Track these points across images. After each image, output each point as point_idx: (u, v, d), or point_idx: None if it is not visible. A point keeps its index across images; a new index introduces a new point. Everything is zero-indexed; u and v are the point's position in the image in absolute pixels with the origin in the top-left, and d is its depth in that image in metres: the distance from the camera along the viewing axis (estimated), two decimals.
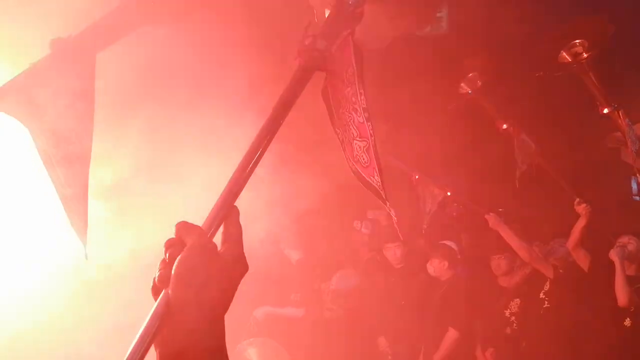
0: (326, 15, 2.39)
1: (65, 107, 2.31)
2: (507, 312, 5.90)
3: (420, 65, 5.18)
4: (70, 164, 2.33)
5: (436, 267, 6.15)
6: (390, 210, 2.39)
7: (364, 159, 2.29)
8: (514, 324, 5.85)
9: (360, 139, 2.29)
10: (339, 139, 2.28)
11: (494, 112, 6.02)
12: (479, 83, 5.84)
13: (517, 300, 5.89)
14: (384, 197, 2.30)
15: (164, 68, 3.83)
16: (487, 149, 6.21)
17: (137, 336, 1.12)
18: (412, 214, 6.86)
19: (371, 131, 2.28)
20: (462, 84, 5.91)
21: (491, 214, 6.00)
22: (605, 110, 5.41)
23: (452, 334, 5.93)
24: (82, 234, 2.45)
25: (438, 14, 4.68)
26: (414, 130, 6.10)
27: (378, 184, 2.29)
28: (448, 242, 6.41)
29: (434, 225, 6.99)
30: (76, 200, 2.40)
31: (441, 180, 6.73)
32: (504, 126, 6.03)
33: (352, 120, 2.28)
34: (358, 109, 2.27)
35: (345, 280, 6.59)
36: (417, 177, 6.85)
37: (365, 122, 2.28)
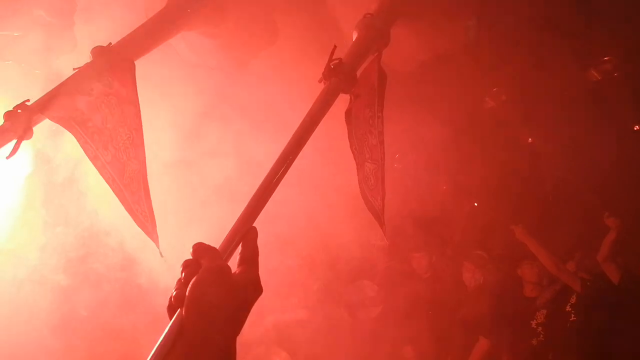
0: (354, 39, 2.48)
1: (110, 110, 2.38)
2: (534, 323, 5.88)
3: (445, 77, 5.23)
4: (123, 164, 2.37)
5: (469, 274, 6.18)
6: (384, 233, 2.44)
7: (371, 181, 2.36)
8: (541, 335, 5.83)
9: (371, 161, 2.36)
10: (355, 159, 2.33)
11: (519, 125, 6.04)
12: (503, 97, 5.88)
13: (544, 311, 5.87)
14: (382, 221, 2.37)
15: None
16: (513, 161, 6.23)
17: (151, 354, 1.14)
18: (441, 225, 6.89)
19: (382, 154, 2.36)
20: (487, 98, 5.95)
21: (519, 225, 6.02)
22: (636, 127, 5.39)
23: (483, 344, 5.94)
24: (151, 232, 2.43)
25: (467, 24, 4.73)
26: (440, 140, 6.16)
27: (379, 207, 2.36)
28: (479, 252, 6.44)
29: (464, 236, 7.01)
30: (136, 199, 2.41)
31: (470, 192, 6.76)
32: (530, 139, 6.05)
33: (367, 142, 2.34)
34: (374, 131, 2.35)
35: (361, 292, 6.65)
36: (444, 187, 6.90)
37: (378, 145, 2.35)
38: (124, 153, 2.39)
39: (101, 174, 2.33)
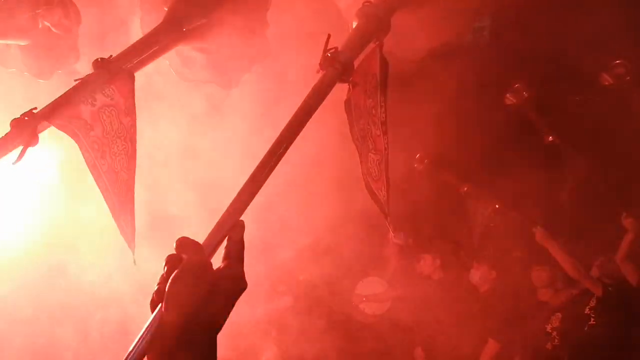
0: (353, 27, 2.44)
1: (110, 121, 2.46)
2: (549, 327, 5.77)
3: (464, 76, 5.18)
4: (116, 173, 2.46)
5: (482, 275, 6.11)
6: (389, 226, 2.42)
7: (374, 172, 2.33)
8: (556, 340, 5.72)
9: (375, 152, 2.33)
10: (357, 150, 2.30)
11: (541, 124, 5.94)
12: (525, 94, 5.79)
13: (559, 315, 5.76)
14: (387, 211, 2.34)
15: None
16: (534, 161, 6.12)
17: (130, 349, 1.14)
18: (456, 225, 6.82)
19: (386, 145, 2.32)
20: (508, 95, 5.87)
21: (538, 227, 5.93)
22: None
23: (492, 346, 5.87)
24: (130, 241, 2.55)
25: (479, 24, 4.68)
26: (460, 141, 6.10)
27: (384, 198, 2.33)
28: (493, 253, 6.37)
29: (483, 238, 6.93)
30: (123, 208, 2.50)
31: (489, 193, 6.68)
32: (550, 138, 5.95)
33: (369, 133, 2.31)
34: (377, 121, 2.31)
35: (370, 287, 6.61)
36: (465, 189, 6.82)
37: (382, 135, 2.32)
38: (118, 163, 2.48)
39: (97, 183, 2.41)
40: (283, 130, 1.78)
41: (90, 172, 2.37)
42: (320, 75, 2.13)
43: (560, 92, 5.51)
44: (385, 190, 2.33)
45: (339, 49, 2.14)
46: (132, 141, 2.56)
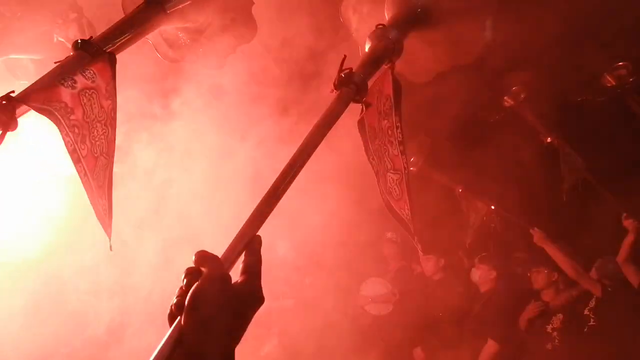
0: (366, 49, 2.44)
1: (91, 105, 2.38)
2: (549, 328, 5.80)
3: (462, 76, 5.17)
4: (95, 158, 2.40)
5: (482, 274, 6.13)
6: (417, 245, 2.41)
7: (396, 192, 2.33)
8: (556, 340, 5.75)
9: (394, 172, 2.33)
10: (373, 169, 2.30)
11: (538, 125, 5.95)
12: (523, 96, 5.79)
13: (560, 316, 5.79)
14: (412, 231, 2.34)
15: None
16: (531, 163, 6.14)
17: None
18: (453, 226, 6.82)
19: (405, 164, 2.32)
20: (506, 97, 5.87)
21: (536, 229, 5.94)
22: None
23: (491, 346, 5.89)
24: (107, 226, 2.49)
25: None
26: (457, 143, 6.10)
27: (408, 217, 2.32)
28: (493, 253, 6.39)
29: (478, 239, 6.96)
30: (101, 193, 2.45)
31: (485, 194, 6.69)
32: (548, 139, 5.96)
33: (387, 152, 2.32)
34: (394, 141, 2.32)
35: (373, 288, 6.62)
36: (460, 190, 6.83)
37: (400, 155, 2.32)
38: (97, 148, 2.42)
39: (75, 167, 2.32)
40: (298, 150, 1.80)
41: (70, 156, 2.29)
42: (334, 95, 2.13)
43: (560, 92, 5.50)
44: (409, 209, 2.33)
45: (354, 70, 2.14)
46: (112, 126, 2.50)
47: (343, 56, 2.12)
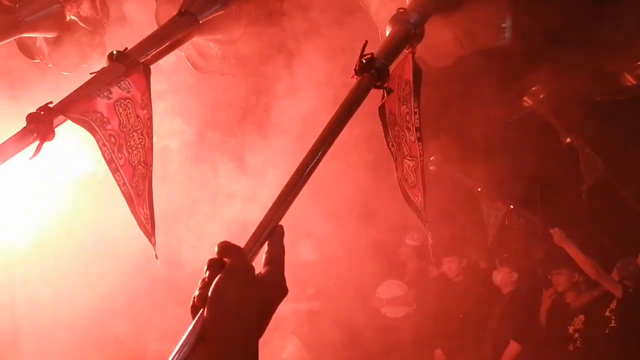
0: (387, 34, 2.44)
1: (127, 114, 2.43)
2: (571, 329, 5.76)
3: (482, 77, 5.18)
4: (133, 167, 2.43)
5: (504, 276, 6.10)
6: (428, 232, 2.40)
7: (411, 179, 2.32)
8: (578, 342, 5.70)
9: (410, 158, 2.31)
10: (392, 156, 2.28)
11: (557, 125, 5.92)
12: (542, 96, 5.77)
13: (582, 317, 5.74)
14: (424, 218, 2.33)
15: None
16: (551, 163, 6.11)
17: (173, 354, 1.12)
18: (473, 227, 6.79)
19: (421, 151, 2.31)
20: (525, 97, 5.85)
21: (556, 229, 5.90)
22: None
23: (513, 347, 5.86)
24: (150, 235, 2.50)
25: (502, 25, 4.65)
26: (477, 142, 6.09)
27: (421, 205, 2.31)
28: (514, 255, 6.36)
29: (497, 239, 6.93)
30: (141, 202, 2.47)
31: (504, 194, 6.66)
32: (568, 140, 5.93)
33: (404, 139, 2.30)
34: (411, 127, 2.30)
35: (391, 290, 6.61)
36: (479, 189, 6.81)
37: (416, 141, 2.30)
38: (135, 157, 2.45)
39: (114, 177, 2.37)
40: (320, 136, 1.77)
41: (107, 165, 2.33)
42: (355, 81, 2.13)
43: (580, 92, 5.48)
44: (422, 196, 2.32)
45: (374, 55, 2.13)
46: (149, 135, 2.52)
47: (364, 41, 2.10)
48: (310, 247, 6.72)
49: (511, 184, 6.57)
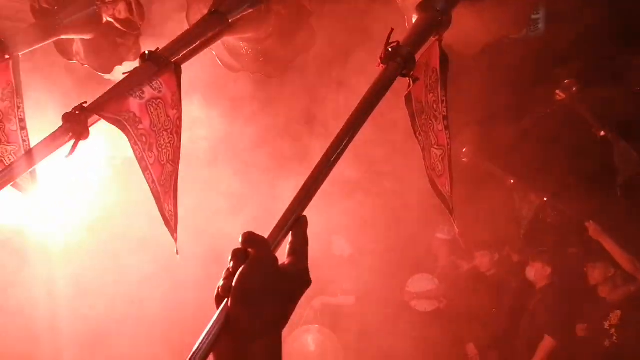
0: (413, 21, 2.44)
1: (157, 114, 2.49)
2: (607, 324, 5.64)
3: (515, 69, 5.12)
4: (162, 166, 2.50)
5: (538, 271, 6.03)
6: (454, 222, 2.39)
7: (438, 168, 2.32)
8: (614, 337, 5.59)
9: (437, 147, 2.31)
10: (420, 145, 2.29)
11: (591, 118, 5.82)
12: (575, 89, 5.68)
13: (618, 312, 5.62)
14: (451, 208, 2.32)
15: None
16: (585, 156, 6.01)
17: (197, 344, 1.14)
18: (505, 220, 6.72)
19: (448, 140, 2.30)
20: (558, 91, 5.77)
21: (591, 222, 5.80)
22: None
23: (548, 343, 5.78)
24: (173, 231, 2.58)
25: (534, 16, 4.59)
26: (510, 135, 6.03)
27: (448, 194, 2.31)
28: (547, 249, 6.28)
29: (531, 232, 6.85)
30: (167, 199, 2.54)
31: (538, 186, 6.57)
32: (602, 133, 5.82)
33: (431, 127, 2.30)
34: (438, 116, 2.29)
35: (421, 284, 6.60)
36: (512, 181, 6.73)
37: (444, 130, 2.30)
38: (164, 155, 2.52)
39: (144, 175, 2.44)
40: (345, 125, 1.78)
41: (138, 164, 2.40)
42: (380, 69, 2.12)
43: (614, 84, 5.38)
44: (450, 186, 2.31)
45: (400, 43, 2.13)
46: (178, 134, 2.59)
47: (390, 29, 2.11)
48: (344, 242, 6.76)
49: (544, 177, 6.49)
